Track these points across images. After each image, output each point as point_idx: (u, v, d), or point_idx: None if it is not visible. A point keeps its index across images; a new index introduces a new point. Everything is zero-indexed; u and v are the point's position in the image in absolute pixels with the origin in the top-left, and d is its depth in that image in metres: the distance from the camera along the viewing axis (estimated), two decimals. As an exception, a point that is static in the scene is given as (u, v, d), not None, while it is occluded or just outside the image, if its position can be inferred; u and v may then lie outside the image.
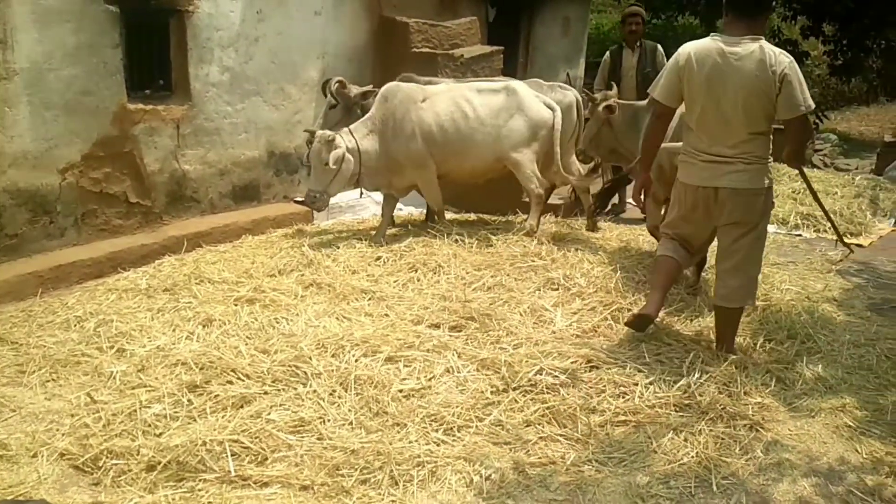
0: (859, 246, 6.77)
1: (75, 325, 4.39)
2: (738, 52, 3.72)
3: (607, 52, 7.68)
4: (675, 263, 4.18)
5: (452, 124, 5.82)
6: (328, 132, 5.54)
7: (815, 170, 9.98)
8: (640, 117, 5.83)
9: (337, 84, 6.22)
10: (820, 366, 4.02)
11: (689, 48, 3.85)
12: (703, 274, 5.13)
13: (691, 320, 4.51)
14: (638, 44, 7.45)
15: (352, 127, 5.80)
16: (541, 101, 6.01)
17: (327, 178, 5.53)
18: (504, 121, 5.87)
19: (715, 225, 4.02)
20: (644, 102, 5.90)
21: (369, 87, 6.35)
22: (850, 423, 3.53)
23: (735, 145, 3.79)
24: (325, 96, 6.37)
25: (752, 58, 3.70)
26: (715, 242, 4.27)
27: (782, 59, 3.72)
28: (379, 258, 5.33)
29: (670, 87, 3.90)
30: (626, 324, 4.21)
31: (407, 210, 6.99)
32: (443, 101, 5.90)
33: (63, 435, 3.30)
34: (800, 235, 6.95)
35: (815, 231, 7.09)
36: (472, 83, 6.28)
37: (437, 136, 5.81)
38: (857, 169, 10.69)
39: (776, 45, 4.07)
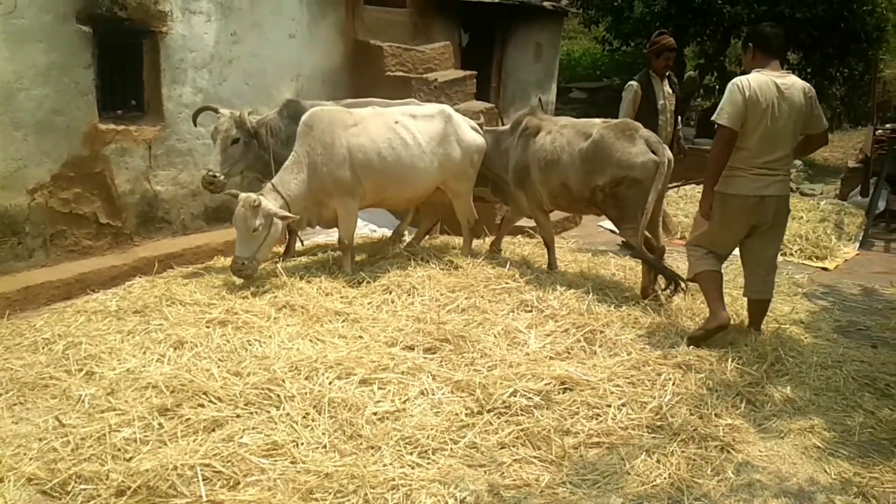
0: (825, 269, 6.90)
1: (43, 348, 4.32)
2: (787, 83, 4.43)
3: (635, 84, 6.80)
4: (720, 275, 4.72)
5: (392, 152, 5.46)
6: (252, 196, 5.01)
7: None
8: (503, 141, 5.96)
9: (240, 116, 5.56)
10: (788, 387, 4.08)
11: (751, 82, 4.38)
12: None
13: (662, 342, 4.55)
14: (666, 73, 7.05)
15: (275, 181, 5.25)
16: (468, 125, 5.93)
17: (255, 243, 5.08)
18: (445, 148, 5.69)
19: (748, 231, 4.61)
20: (504, 127, 6.20)
21: (265, 116, 5.86)
22: (819, 444, 3.59)
23: (779, 159, 4.47)
24: (195, 126, 5.90)
25: (797, 87, 4.44)
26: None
27: (807, 84, 4.52)
28: (353, 280, 5.33)
29: (738, 115, 4.39)
30: (696, 339, 4.52)
31: (381, 232, 6.99)
32: (377, 126, 5.51)
33: (31, 459, 3.24)
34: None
35: (780, 255, 7.21)
36: (401, 107, 5.90)
37: (376, 163, 5.42)
38: (822, 194, 10.91)
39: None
